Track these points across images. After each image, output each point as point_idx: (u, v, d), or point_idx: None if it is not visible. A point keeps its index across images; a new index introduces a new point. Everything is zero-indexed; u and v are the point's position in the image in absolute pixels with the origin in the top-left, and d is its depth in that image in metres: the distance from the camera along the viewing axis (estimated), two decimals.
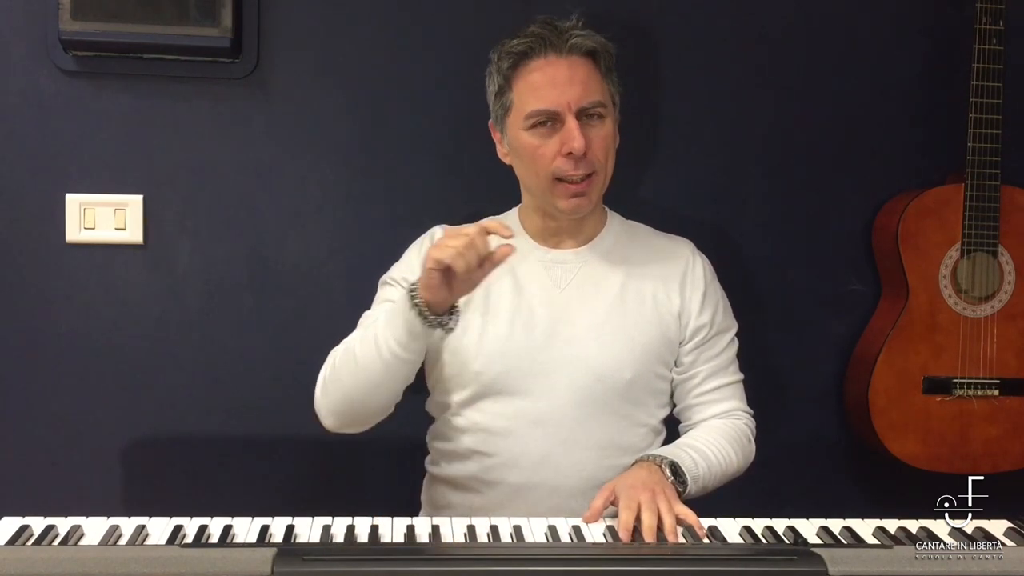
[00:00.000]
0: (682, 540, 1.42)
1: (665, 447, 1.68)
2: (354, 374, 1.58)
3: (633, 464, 1.60)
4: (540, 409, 1.67)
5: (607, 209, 1.80)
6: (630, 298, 1.71)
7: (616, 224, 1.80)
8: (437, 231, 1.77)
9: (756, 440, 1.78)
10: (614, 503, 1.48)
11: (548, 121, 1.63)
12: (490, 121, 1.74)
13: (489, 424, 1.69)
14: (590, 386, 1.67)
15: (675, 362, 1.75)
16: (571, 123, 1.61)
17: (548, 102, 1.62)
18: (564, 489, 1.66)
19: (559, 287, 1.72)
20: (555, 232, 1.74)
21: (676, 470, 1.57)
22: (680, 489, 1.55)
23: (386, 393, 1.60)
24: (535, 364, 1.67)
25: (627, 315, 1.70)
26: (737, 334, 1.79)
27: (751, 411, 1.78)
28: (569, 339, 1.68)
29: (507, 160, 1.74)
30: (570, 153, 1.61)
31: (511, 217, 1.80)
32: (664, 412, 1.76)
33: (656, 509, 1.44)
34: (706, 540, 1.42)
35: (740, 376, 1.78)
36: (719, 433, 1.70)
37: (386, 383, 1.58)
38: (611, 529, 1.46)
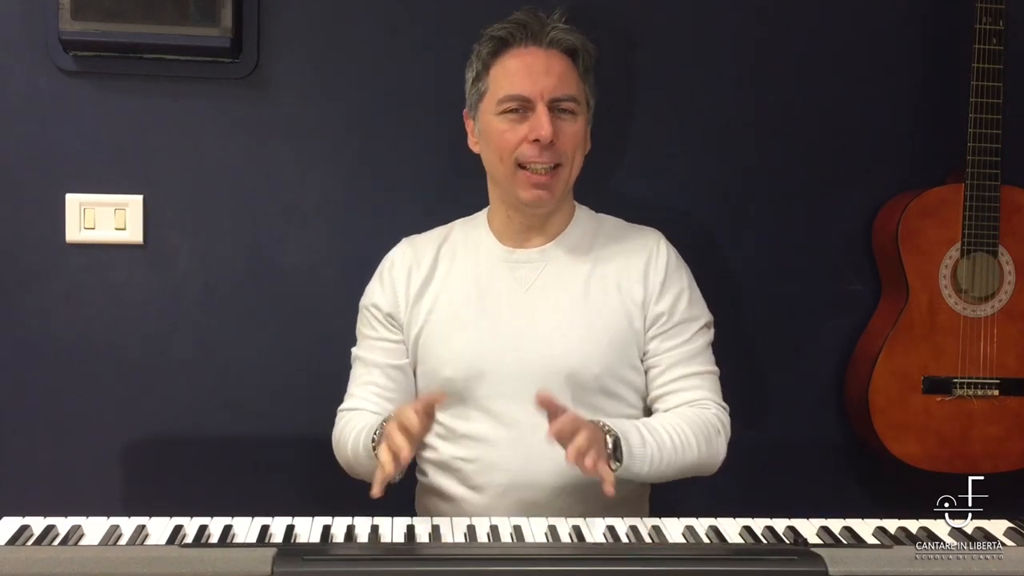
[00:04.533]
0: (682, 539, 1.42)
1: (620, 420, 1.63)
2: (351, 466, 1.70)
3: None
4: (514, 412, 1.66)
5: (576, 204, 1.79)
6: (594, 292, 1.71)
7: (584, 218, 1.78)
8: (398, 249, 1.78)
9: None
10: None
11: (519, 108, 1.63)
12: (464, 110, 1.75)
13: (467, 430, 1.69)
14: (560, 384, 1.66)
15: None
16: (541, 110, 1.62)
17: (521, 88, 1.63)
18: (548, 488, 1.65)
19: (523, 288, 1.71)
20: (521, 229, 1.74)
21: (616, 445, 1.53)
22: (612, 465, 1.52)
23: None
24: (504, 367, 1.67)
25: (592, 309, 1.69)
26: (712, 325, 1.75)
27: (725, 405, 1.73)
28: (535, 340, 1.68)
29: (476, 149, 1.74)
30: (537, 140, 1.61)
31: (479, 219, 1.80)
32: (644, 403, 1.75)
33: (587, 451, 1.42)
34: (706, 540, 1.42)
35: (712, 368, 1.74)
36: (682, 419, 1.66)
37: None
38: (611, 529, 1.46)
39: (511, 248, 1.74)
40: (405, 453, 1.44)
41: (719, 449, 1.69)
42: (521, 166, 1.64)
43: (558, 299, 1.70)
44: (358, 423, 1.70)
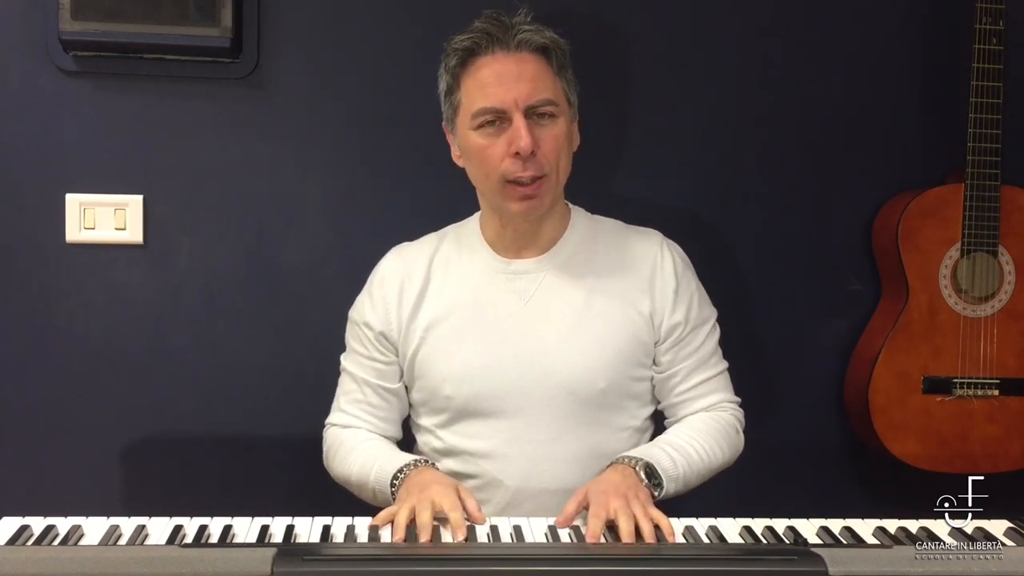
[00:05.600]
0: (682, 539, 1.42)
1: (643, 446, 1.65)
2: (349, 487, 1.70)
3: (608, 466, 1.56)
4: (516, 427, 1.65)
5: (571, 207, 1.75)
6: (597, 304, 1.66)
7: (580, 224, 1.73)
8: (388, 262, 1.75)
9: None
10: (587, 508, 1.45)
11: (496, 120, 1.57)
12: (443, 123, 1.70)
13: (468, 447, 1.67)
14: (563, 400, 1.64)
15: (653, 361, 1.70)
16: (518, 121, 1.55)
17: (495, 100, 1.56)
18: (552, 499, 1.62)
19: (523, 300, 1.67)
20: (515, 238, 1.69)
21: (651, 472, 1.53)
22: (655, 492, 1.52)
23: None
24: (505, 383, 1.64)
25: (595, 322, 1.66)
26: (719, 320, 1.75)
27: (738, 400, 1.75)
28: (537, 354, 1.65)
29: (459, 163, 1.69)
30: (517, 153, 1.56)
31: (471, 225, 1.76)
32: (647, 411, 1.73)
33: (631, 514, 1.41)
34: (706, 540, 1.42)
35: (724, 366, 1.74)
36: (704, 428, 1.67)
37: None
38: (611, 530, 1.45)
39: (507, 259, 1.69)
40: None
41: (739, 446, 1.73)
42: (508, 180, 1.59)
43: (560, 312, 1.66)
44: (354, 444, 1.69)
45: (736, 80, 2.11)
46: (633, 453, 1.58)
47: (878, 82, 2.13)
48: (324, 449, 1.76)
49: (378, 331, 1.71)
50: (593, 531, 1.39)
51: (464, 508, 1.45)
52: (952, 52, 2.09)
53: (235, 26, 1.93)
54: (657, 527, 1.42)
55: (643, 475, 1.52)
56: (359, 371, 1.73)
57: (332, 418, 1.76)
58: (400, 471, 1.56)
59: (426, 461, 1.61)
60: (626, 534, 1.39)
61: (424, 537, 1.37)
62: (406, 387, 1.74)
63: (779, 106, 2.12)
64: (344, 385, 1.76)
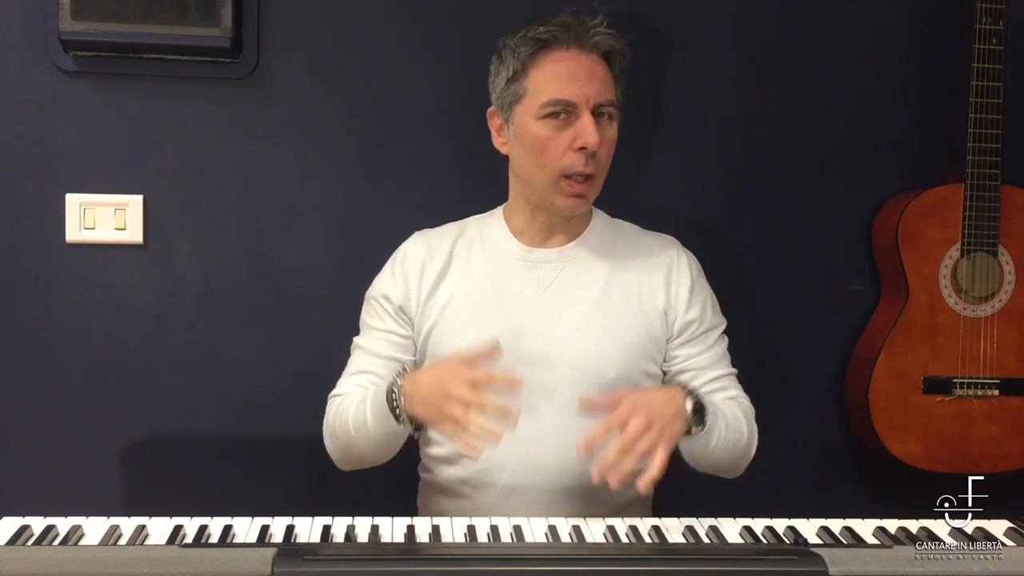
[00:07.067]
0: (682, 539, 1.42)
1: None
2: (351, 441, 1.66)
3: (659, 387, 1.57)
4: (523, 411, 1.65)
5: (593, 207, 1.78)
6: (613, 296, 1.70)
7: (601, 222, 1.78)
8: (411, 242, 1.77)
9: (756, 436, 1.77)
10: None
11: (562, 113, 1.62)
12: (490, 108, 1.72)
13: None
14: (573, 387, 1.65)
15: (664, 359, 1.73)
16: (587, 118, 1.61)
17: (568, 93, 1.61)
18: (554, 490, 1.65)
19: (541, 288, 1.70)
20: (541, 229, 1.73)
21: (697, 407, 1.52)
22: (697, 428, 1.52)
23: (386, 452, 1.66)
24: (517, 366, 1.65)
25: (610, 313, 1.69)
26: (727, 331, 1.77)
27: (749, 399, 1.76)
28: (551, 340, 1.67)
29: (504, 149, 1.72)
30: (583, 148, 1.60)
31: (496, 216, 1.78)
32: None
33: (635, 453, 1.42)
34: (706, 540, 1.42)
35: (734, 370, 1.76)
36: (731, 405, 1.68)
37: (382, 450, 1.66)
38: (611, 529, 1.46)
39: (530, 247, 1.73)
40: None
41: (755, 437, 1.71)
42: (565, 175, 1.63)
43: (576, 301, 1.69)
44: (351, 402, 1.67)
45: (735, 81, 2.11)
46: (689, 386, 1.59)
47: (878, 82, 2.13)
48: (325, 421, 1.73)
49: (397, 304, 1.72)
50: (600, 468, 1.42)
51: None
52: (952, 52, 2.09)
53: (235, 26, 1.93)
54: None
55: (689, 407, 1.52)
56: (373, 345, 1.73)
57: (337, 389, 1.75)
58: (392, 385, 1.56)
59: (405, 370, 1.62)
60: (610, 465, 1.41)
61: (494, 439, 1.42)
62: (416, 365, 1.74)
63: (779, 106, 2.12)
64: (354, 359, 1.75)
